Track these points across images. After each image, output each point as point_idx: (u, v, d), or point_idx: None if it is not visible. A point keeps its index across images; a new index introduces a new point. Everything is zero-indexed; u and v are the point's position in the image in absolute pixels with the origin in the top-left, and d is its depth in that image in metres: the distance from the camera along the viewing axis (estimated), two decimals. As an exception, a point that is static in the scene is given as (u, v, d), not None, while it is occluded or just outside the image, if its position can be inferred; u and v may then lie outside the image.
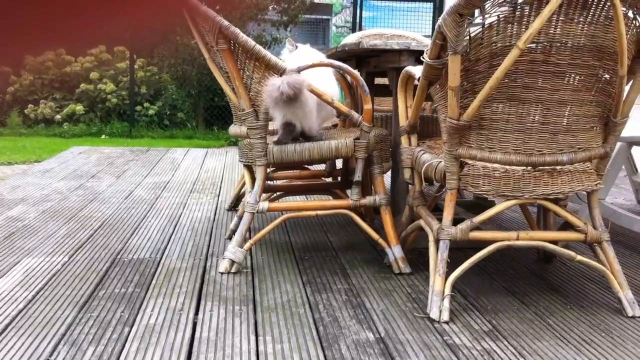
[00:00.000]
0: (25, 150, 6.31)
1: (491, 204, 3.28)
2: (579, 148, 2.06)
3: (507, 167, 2.05)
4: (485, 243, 2.07)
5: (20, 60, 7.84)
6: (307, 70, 2.41)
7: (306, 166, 3.32)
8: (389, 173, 3.05)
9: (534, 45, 1.92)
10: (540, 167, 2.06)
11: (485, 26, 1.90)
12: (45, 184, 4.32)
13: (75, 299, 2.11)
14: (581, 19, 1.90)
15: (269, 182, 3.12)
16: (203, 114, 8.53)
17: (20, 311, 1.99)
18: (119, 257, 2.62)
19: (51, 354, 1.69)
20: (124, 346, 1.75)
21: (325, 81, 2.55)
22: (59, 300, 2.10)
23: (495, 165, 2.06)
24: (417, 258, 2.63)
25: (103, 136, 7.75)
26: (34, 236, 2.92)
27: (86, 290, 2.21)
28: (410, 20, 11.14)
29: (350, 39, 4.02)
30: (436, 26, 1.93)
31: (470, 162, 2.09)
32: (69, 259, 2.57)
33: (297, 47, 2.73)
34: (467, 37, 1.92)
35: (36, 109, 8.27)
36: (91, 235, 2.96)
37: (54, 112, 8.27)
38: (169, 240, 2.91)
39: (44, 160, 5.59)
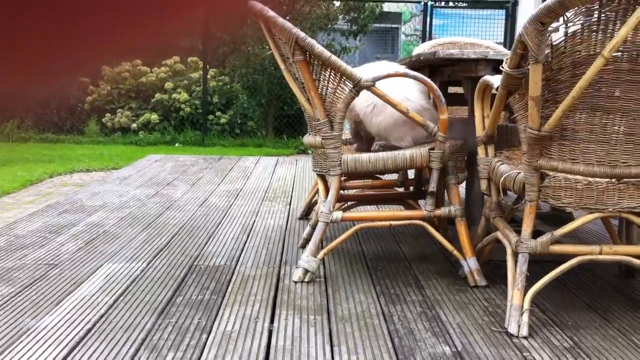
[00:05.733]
0: (103, 157, 6.53)
1: (569, 216, 3.20)
2: (667, 160, 1.97)
3: (590, 179, 1.99)
4: (565, 256, 2.01)
5: (98, 70, 8.11)
6: (384, 80, 2.41)
7: (378, 176, 3.30)
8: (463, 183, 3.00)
9: (620, 54, 1.86)
10: (625, 180, 1.99)
11: (568, 34, 1.86)
12: (123, 191, 4.46)
13: (154, 305, 2.16)
14: (669, 26, 1.83)
15: (341, 191, 3.12)
16: (273, 122, 8.63)
17: (102, 316, 2.05)
18: (195, 263, 2.67)
19: (132, 359, 1.74)
20: (202, 353, 1.78)
21: (403, 92, 2.54)
22: (138, 305, 2.16)
23: (578, 177, 2.00)
24: (493, 270, 2.57)
25: (177, 144, 7.94)
26: (114, 242, 3.01)
27: (165, 296, 2.26)
28: (481, 27, 10.96)
29: (424, 47, 4.00)
30: (517, 35, 1.90)
31: (551, 173, 2.04)
32: (148, 265, 2.64)
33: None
34: (549, 46, 1.88)
35: (113, 118, 8.56)
36: (168, 242, 3.03)
37: (130, 120, 8.53)
38: (243, 247, 2.95)
39: (121, 168, 5.77)
